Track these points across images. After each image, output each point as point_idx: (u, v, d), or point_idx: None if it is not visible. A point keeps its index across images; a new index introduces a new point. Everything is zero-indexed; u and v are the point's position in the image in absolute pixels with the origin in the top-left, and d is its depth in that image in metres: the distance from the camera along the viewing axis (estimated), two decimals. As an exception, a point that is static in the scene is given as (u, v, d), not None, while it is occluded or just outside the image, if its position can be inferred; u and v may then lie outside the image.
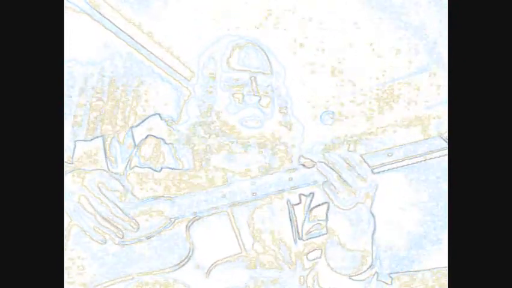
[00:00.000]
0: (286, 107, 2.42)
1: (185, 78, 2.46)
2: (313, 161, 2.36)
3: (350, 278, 2.33)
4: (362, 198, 2.27)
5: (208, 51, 2.43)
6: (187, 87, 2.45)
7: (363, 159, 2.28)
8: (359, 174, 2.25)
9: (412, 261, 2.43)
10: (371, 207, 2.30)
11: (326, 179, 2.27)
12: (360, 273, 2.33)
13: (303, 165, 2.35)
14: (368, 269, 2.33)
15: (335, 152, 2.30)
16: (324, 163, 2.28)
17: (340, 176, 2.26)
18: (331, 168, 2.27)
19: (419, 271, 2.42)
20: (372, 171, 2.28)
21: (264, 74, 2.38)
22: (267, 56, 2.41)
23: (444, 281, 2.40)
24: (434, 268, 2.43)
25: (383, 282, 2.40)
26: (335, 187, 2.26)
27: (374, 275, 2.35)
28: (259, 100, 2.36)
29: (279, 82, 2.42)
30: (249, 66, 2.38)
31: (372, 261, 2.33)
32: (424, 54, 2.49)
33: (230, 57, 2.39)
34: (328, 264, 2.34)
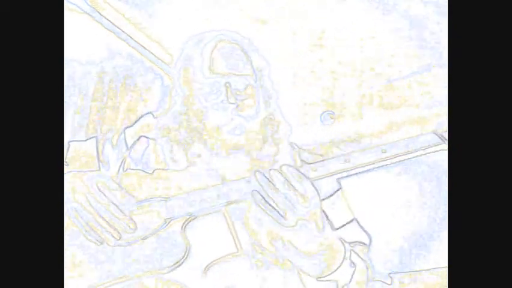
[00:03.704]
0: (271, 104, 2.41)
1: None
2: (312, 153, 2.36)
3: (318, 280, 2.31)
4: (307, 215, 2.27)
5: (182, 55, 2.42)
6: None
7: (302, 174, 2.29)
8: (300, 193, 2.26)
9: (412, 261, 2.43)
10: (319, 221, 2.29)
11: (261, 197, 2.28)
12: (330, 274, 2.31)
13: (304, 162, 2.36)
14: (337, 268, 2.30)
15: (275, 170, 2.30)
16: (266, 178, 2.28)
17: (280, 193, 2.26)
18: (271, 185, 2.27)
19: (419, 271, 2.42)
20: (313, 185, 2.28)
21: (242, 75, 2.36)
22: (246, 54, 2.39)
23: (445, 281, 2.40)
24: (434, 268, 2.42)
25: (383, 282, 2.40)
26: (274, 206, 2.27)
27: (352, 274, 2.33)
28: (237, 107, 2.34)
29: (262, 80, 2.40)
30: (227, 68, 2.36)
31: (343, 260, 2.31)
32: (424, 54, 2.49)
33: (208, 62, 2.37)
34: (299, 268, 2.33)
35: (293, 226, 2.27)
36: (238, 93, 2.33)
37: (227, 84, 2.33)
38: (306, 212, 2.26)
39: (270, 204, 2.27)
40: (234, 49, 2.38)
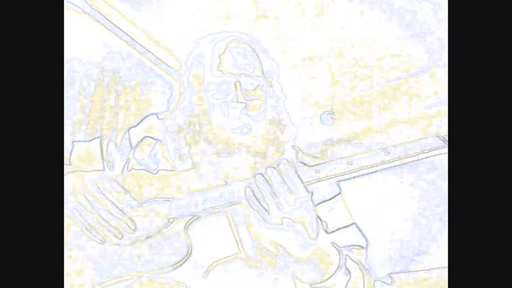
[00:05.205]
0: (278, 107, 2.41)
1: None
2: (314, 156, 2.36)
3: (311, 286, 2.31)
4: (292, 215, 2.27)
5: (193, 54, 2.43)
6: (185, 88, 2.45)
7: (297, 174, 2.29)
8: (289, 189, 2.26)
9: (412, 261, 2.43)
10: (310, 222, 2.29)
11: (252, 195, 2.28)
12: (323, 282, 2.31)
13: (303, 163, 2.36)
14: (333, 275, 2.30)
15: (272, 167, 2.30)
16: (262, 175, 2.29)
17: (272, 189, 2.27)
18: (266, 181, 2.28)
19: (419, 271, 2.42)
20: (307, 190, 2.29)
21: (252, 76, 2.37)
22: (257, 56, 2.40)
23: (445, 281, 2.40)
24: (434, 268, 2.42)
25: (383, 282, 2.40)
26: (262, 201, 2.27)
27: (347, 282, 2.32)
28: (245, 107, 2.35)
29: (271, 81, 2.41)
30: (237, 68, 2.37)
31: (339, 266, 2.31)
32: (424, 54, 2.49)
33: (219, 61, 2.37)
34: (293, 274, 2.32)
35: (279, 224, 2.26)
36: (247, 93, 2.34)
37: (237, 83, 2.33)
38: (291, 211, 2.25)
39: (257, 199, 2.27)
40: (244, 50, 2.39)
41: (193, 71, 2.39)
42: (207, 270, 2.31)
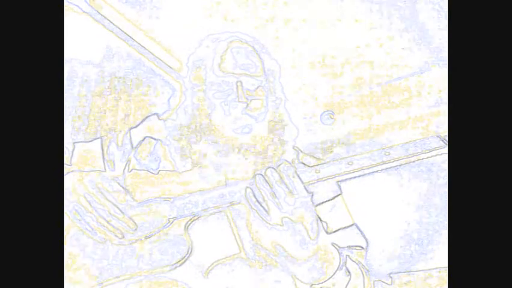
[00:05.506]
0: (279, 107, 2.41)
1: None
2: (315, 157, 2.36)
3: (311, 286, 2.31)
4: (292, 215, 2.27)
5: (195, 53, 2.43)
6: (186, 88, 2.45)
7: (297, 174, 2.29)
8: (288, 189, 2.26)
9: (412, 261, 2.43)
10: (311, 222, 2.29)
11: (253, 195, 2.29)
12: (323, 282, 2.30)
13: (304, 164, 2.36)
14: (333, 275, 2.30)
15: (272, 168, 2.31)
16: (262, 175, 2.29)
17: (271, 189, 2.27)
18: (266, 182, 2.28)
19: (419, 271, 2.42)
20: (307, 190, 2.29)
21: (253, 76, 2.37)
22: (258, 56, 2.40)
23: (445, 281, 2.40)
24: (434, 268, 2.42)
25: (383, 282, 2.40)
26: (261, 202, 2.27)
27: (347, 283, 2.32)
28: (246, 106, 2.35)
29: (272, 82, 2.41)
30: (239, 68, 2.37)
31: (339, 266, 2.31)
32: (424, 54, 2.49)
33: (220, 60, 2.38)
34: (293, 274, 2.32)
35: (279, 224, 2.26)
36: (248, 93, 2.34)
37: (238, 83, 2.34)
38: (291, 210, 2.26)
39: (257, 200, 2.27)
40: (246, 50, 2.39)
41: (194, 70, 2.40)
42: (207, 270, 2.31)
